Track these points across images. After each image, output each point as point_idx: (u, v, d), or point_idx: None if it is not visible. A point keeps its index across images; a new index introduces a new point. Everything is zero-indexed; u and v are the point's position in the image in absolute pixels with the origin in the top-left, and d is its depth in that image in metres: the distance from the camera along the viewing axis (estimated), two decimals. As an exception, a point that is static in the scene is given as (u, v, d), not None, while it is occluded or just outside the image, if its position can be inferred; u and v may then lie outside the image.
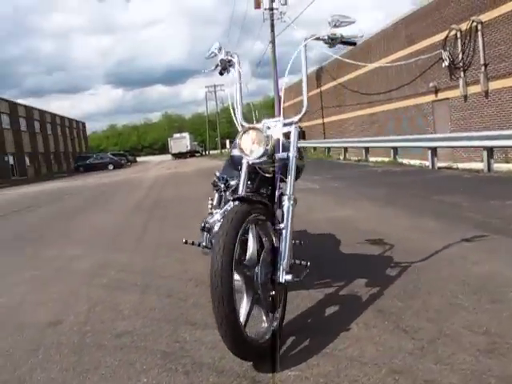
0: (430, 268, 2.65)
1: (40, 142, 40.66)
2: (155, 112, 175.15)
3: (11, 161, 34.39)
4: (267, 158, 2.11)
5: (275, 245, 1.91)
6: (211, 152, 61.71)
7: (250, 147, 2.03)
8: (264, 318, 1.90)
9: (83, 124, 60.65)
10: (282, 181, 2.40)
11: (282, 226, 1.93)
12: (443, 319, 1.93)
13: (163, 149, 60.57)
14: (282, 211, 1.97)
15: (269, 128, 2.24)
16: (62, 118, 49.52)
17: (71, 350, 2.07)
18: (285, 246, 1.87)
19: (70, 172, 38.19)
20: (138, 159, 65.13)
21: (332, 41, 2.37)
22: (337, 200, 6.00)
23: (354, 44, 2.49)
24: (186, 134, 53.54)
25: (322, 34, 2.36)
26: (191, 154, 51.34)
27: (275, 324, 1.90)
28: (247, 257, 1.80)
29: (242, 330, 1.62)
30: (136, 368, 1.82)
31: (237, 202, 1.80)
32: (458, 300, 2.12)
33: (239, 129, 2.18)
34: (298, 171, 2.42)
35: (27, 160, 37.48)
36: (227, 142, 52.29)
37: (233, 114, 2.37)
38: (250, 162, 2.12)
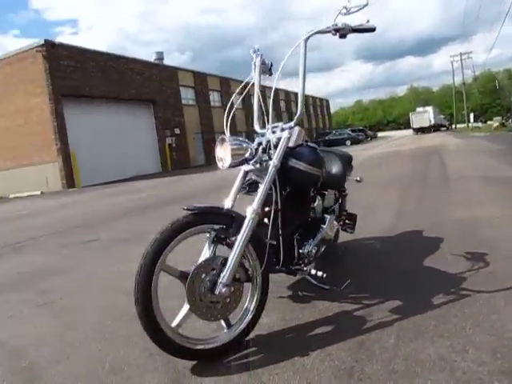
0: (485, 305, 2.01)
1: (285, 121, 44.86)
2: (402, 86, 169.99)
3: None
4: (259, 166, 2.10)
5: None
6: (458, 126, 56.02)
7: (224, 156, 2.06)
8: (223, 324, 1.93)
9: (327, 101, 63.90)
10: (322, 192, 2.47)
11: (234, 238, 1.87)
12: (408, 375, 1.52)
13: (408, 123, 58.93)
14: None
15: (273, 133, 2.17)
16: (306, 96, 53.22)
17: (98, 313, 2.54)
18: (231, 260, 1.81)
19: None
20: (380, 134, 64.70)
21: (339, 31, 2.11)
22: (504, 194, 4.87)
23: (372, 30, 2.12)
24: (428, 108, 50.24)
25: (322, 27, 2.12)
26: (435, 128, 47.95)
27: (233, 332, 1.90)
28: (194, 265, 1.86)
29: (158, 326, 1.73)
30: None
31: (184, 212, 1.82)
32: (458, 356, 1.60)
33: (227, 135, 2.12)
34: (313, 182, 2.24)
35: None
36: (471, 115, 46.59)
37: (225, 122, 2.29)
38: (247, 169, 2.15)
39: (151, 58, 27.41)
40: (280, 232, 2.07)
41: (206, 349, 1.83)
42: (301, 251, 2.21)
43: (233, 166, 2.05)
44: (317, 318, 2.13)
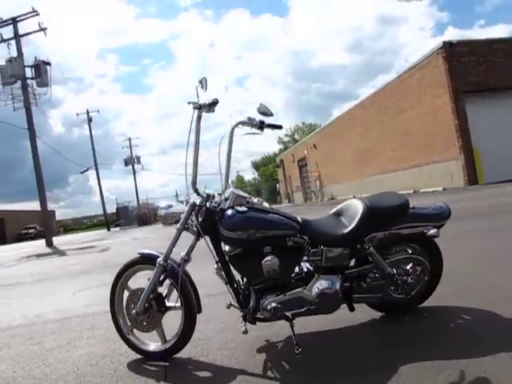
0: None
1: None
2: None
3: None
4: None
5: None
6: None
7: None
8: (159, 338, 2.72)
9: None
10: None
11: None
12: None
13: None
14: None
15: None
16: None
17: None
18: (142, 295, 2.59)
19: None
20: None
21: (257, 125, 2.63)
22: None
23: (280, 127, 2.75)
24: None
25: (246, 119, 2.64)
26: None
27: (164, 346, 2.64)
28: None
29: (120, 328, 2.78)
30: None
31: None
32: None
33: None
34: (234, 243, 2.50)
35: None
36: None
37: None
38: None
39: None
40: (226, 280, 2.54)
41: (143, 349, 2.70)
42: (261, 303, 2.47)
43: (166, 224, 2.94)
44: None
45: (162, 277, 2.60)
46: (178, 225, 2.59)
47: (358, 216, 2.59)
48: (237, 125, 2.65)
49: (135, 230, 27.32)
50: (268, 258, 2.44)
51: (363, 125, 25.60)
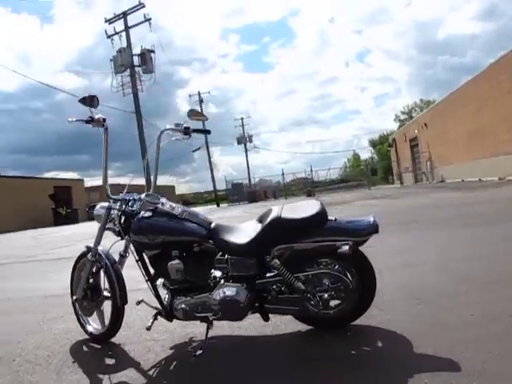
0: None
1: None
2: None
3: None
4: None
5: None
6: None
7: None
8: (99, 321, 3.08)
9: None
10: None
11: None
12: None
13: None
14: None
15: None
16: None
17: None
18: (80, 284, 2.98)
19: None
20: None
21: (184, 130, 2.87)
22: None
23: (208, 132, 3.23)
24: None
25: (174, 126, 2.86)
26: None
27: (102, 330, 2.99)
28: None
29: (75, 309, 3.11)
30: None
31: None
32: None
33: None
34: (142, 247, 2.73)
35: None
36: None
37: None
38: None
39: None
40: (146, 278, 2.74)
41: (87, 330, 3.08)
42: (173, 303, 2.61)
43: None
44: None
45: (96, 269, 2.97)
46: (100, 225, 2.87)
47: (262, 226, 2.52)
48: (163, 132, 2.88)
49: (241, 207, 27.69)
50: (173, 261, 2.55)
51: (476, 102, 23.13)
